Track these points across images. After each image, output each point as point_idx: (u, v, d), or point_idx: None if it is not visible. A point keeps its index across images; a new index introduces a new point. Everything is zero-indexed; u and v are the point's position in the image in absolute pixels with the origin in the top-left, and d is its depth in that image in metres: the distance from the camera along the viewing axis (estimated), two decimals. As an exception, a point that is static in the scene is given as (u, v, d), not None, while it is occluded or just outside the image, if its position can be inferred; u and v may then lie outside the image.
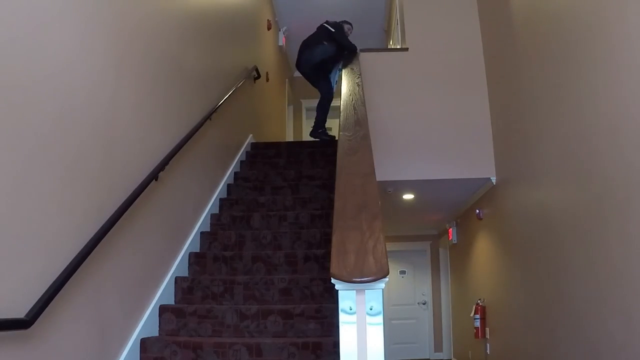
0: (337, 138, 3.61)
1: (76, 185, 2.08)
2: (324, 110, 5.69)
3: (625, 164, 2.61)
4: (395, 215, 7.06)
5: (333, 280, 1.52)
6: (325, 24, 5.66)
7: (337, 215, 1.86)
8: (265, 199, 4.10)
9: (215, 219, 3.89)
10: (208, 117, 3.75)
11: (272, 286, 3.08)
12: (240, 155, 4.99)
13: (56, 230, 1.94)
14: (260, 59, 6.30)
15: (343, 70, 4.53)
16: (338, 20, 5.75)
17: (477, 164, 5.02)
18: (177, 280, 3.15)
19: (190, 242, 3.44)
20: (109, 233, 2.22)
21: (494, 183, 5.04)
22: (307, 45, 5.55)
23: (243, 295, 3.09)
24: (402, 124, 5.14)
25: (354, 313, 1.50)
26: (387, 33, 8.07)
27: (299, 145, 5.77)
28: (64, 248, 1.97)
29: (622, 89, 2.62)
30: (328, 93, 5.68)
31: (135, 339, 2.57)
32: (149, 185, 2.65)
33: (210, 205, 3.94)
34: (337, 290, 1.53)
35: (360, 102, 3.36)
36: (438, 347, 8.69)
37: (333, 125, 6.47)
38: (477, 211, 5.77)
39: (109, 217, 2.26)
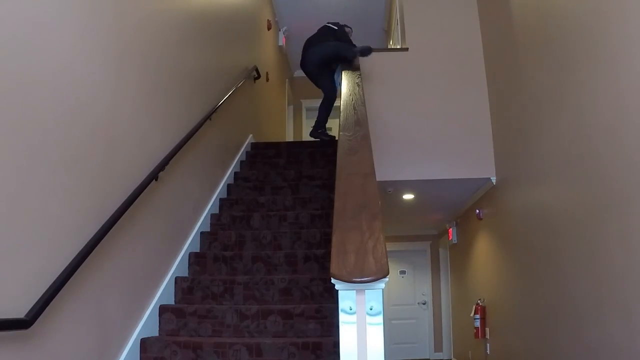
0: (337, 138, 3.61)
1: (76, 185, 2.08)
2: (326, 110, 5.67)
3: (625, 164, 2.61)
4: (395, 215, 7.07)
5: (333, 280, 1.52)
6: (327, 24, 5.65)
7: (337, 215, 1.86)
8: (265, 199, 4.10)
9: (215, 219, 3.89)
10: (208, 117, 3.75)
11: (272, 286, 3.08)
12: (240, 155, 5.00)
13: (56, 230, 1.94)
14: (260, 59, 6.30)
15: (343, 71, 4.52)
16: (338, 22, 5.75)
17: (477, 164, 5.03)
18: (177, 280, 3.15)
19: (190, 242, 3.44)
20: (109, 233, 2.22)
21: (494, 183, 5.04)
22: (313, 43, 5.47)
23: (243, 295, 3.09)
24: (402, 124, 5.14)
25: (354, 313, 1.49)
26: (387, 33, 8.07)
27: (299, 145, 5.76)
28: (64, 248, 1.97)
29: (622, 88, 2.62)
30: (331, 94, 5.65)
31: (135, 339, 2.57)
32: (149, 185, 2.65)
33: (210, 205, 3.94)
34: (337, 290, 1.53)
35: (360, 102, 3.36)
36: (438, 347, 8.69)
37: (333, 125, 6.48)
38: (477, 211, 5.77)
39: (109, 217, 2.26)
